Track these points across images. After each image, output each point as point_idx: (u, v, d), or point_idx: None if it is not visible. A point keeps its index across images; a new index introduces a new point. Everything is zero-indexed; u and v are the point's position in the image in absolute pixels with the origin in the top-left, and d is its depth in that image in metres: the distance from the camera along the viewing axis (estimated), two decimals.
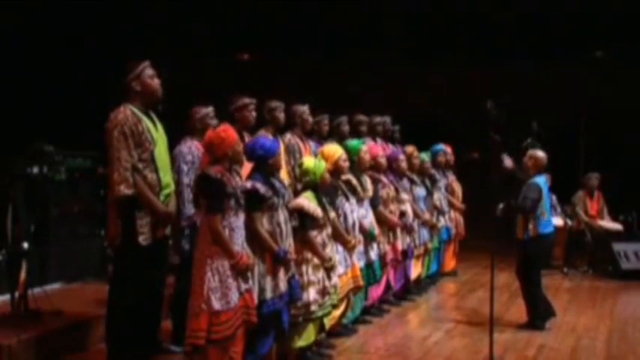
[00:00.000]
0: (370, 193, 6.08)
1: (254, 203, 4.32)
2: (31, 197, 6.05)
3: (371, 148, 6.44)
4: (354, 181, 5.77)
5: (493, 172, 5.54)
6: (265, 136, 5.02)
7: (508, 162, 6.08)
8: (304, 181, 4.94)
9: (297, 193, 4.96)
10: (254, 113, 5.24)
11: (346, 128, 6.66)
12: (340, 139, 6.33)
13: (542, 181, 6.18)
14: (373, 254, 6.05)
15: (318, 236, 4.86)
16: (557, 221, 8.45)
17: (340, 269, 5.25)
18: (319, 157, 5.14)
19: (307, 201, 4.80)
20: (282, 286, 4.42)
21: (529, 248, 6.13)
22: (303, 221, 4.77)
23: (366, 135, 7.10)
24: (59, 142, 6.54)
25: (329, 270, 4.90)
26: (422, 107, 11.71)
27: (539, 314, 6.13)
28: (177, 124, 5.05)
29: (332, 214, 5.12)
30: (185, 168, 4.92)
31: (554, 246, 7.76)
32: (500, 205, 6.07)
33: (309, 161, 4.98)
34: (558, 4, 10.42)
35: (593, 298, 7.68)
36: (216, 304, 3.93)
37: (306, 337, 4.88)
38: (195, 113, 5.14)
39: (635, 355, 5.47)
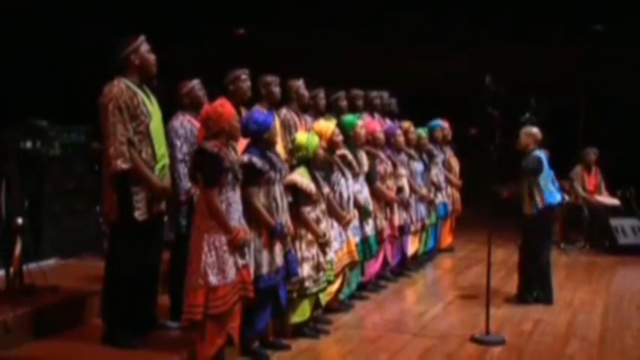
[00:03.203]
0: (366, 168, 6.04)
1: (251, 177, 4.29)
2: (24, 173, 5.99)
3: (369, 124, 6.39)
4: (350, 156, 5.73)
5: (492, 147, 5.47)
6: (259, 111, 4.96)
7: (505, 191, 6.00)
8: (297, 156, 4.91)
9: (292, 169, 4.93)
10: (248, 83, 5.16)
11: (344, 103, 6.62)
12: (338, 114, 6.28)
13: (541, 153, 6.17)
14: (369, 229, 6.03)
15: (312, 212, 4.83)
16: None
17: (335, 245, 5.24)
18: (312, 133, 5.08)
19: (300, 177, 4.77)
20: (279, 260, 4.41)
21: (538, 221, 6.07)
22: (297, 197, 4.74)
23: (363, 109, 7.04)
24: (53, 117, 6.47)
25: (324, 246, 4.89)
26: (421, 82, 11.60)
27: (530, 287, 6.11)
28: (171, 101, 4.99)
29: (326, 190, 5.08)
30: (178, 143, 4.84)
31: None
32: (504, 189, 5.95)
33: (301, 136, 4.94)
34: None
35: (590, 274, 7.69)
36: (214, 279, 3.92)
37: (302, 313, 4.88)
38: (182, 88, 5.03)
39: (630, 329, 5.48)
